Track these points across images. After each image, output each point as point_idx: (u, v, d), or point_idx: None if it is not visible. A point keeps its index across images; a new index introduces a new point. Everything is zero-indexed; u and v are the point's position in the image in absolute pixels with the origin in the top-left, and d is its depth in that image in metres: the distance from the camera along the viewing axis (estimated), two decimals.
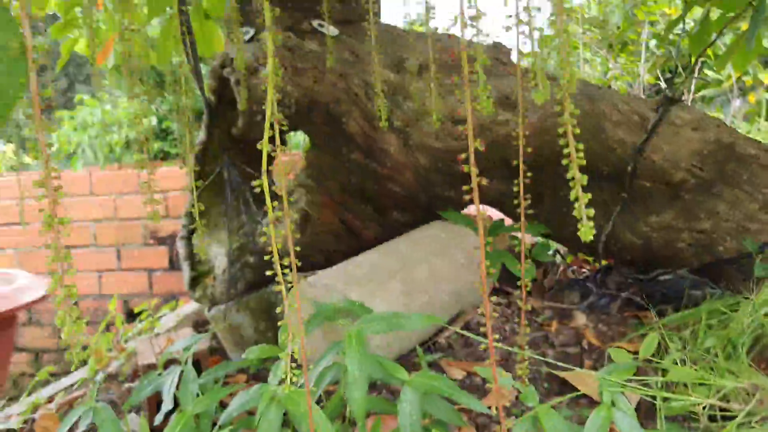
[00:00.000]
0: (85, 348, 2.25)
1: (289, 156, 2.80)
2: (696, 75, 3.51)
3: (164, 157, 4.50)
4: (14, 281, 2.39)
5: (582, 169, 1.68)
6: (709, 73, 4.68)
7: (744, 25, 2.00)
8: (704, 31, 2.12)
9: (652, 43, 3.57)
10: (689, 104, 4.01)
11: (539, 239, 1.83)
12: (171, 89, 1.54)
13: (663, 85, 3.38)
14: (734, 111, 4.38)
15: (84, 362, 1.94)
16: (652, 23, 3.90)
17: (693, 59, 2.58)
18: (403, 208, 1.73)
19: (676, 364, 1.16)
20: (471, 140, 1.03)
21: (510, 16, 0.88)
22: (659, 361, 1.21)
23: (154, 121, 4.48)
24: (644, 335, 1.40)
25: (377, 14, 1.76)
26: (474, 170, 0.76)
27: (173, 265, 3.42)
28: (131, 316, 3.49)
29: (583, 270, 2.00)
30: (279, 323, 0.91)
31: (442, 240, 1.59)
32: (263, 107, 1.43)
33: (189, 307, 2.27)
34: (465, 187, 1.49)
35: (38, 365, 3.64)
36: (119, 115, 4.47)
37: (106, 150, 4.44)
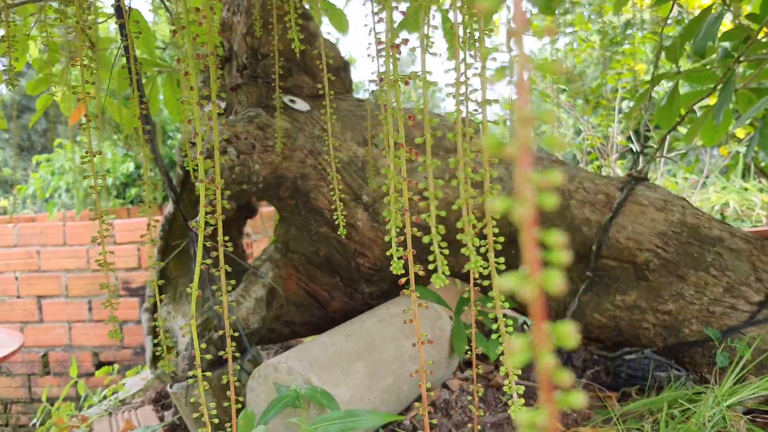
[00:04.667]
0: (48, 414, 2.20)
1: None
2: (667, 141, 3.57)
3: (141, 202, 4.47)
4: None
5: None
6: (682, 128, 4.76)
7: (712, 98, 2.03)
8: (672, 104, 2.16)
9: (625, 103, 3.64)
10: (662, 163, 4.07)
11: (505, 314, 1.83)
12: (137, 145, 1.54)
13: (634, 147, 3.44)
14: (709, 166, 4.46)
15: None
16: (619, 74, 3.97)
17: (661, 131, 2.63)
18: (372, 281, 1.73)
19: None
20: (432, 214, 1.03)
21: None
22: None
23: (131, 167, 4.47)
24: (608, 420, 1.40)
25: (349, 90, 1.78)
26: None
27: None
28: (101, 368, 3.43)
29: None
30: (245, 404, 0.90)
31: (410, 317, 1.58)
32: (230, 187, 1.44)
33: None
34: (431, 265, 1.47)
35: (8, 416, 3.56)
36: (96, 161, 4.45)
37: (82, 195, 4.41)
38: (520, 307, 1.77)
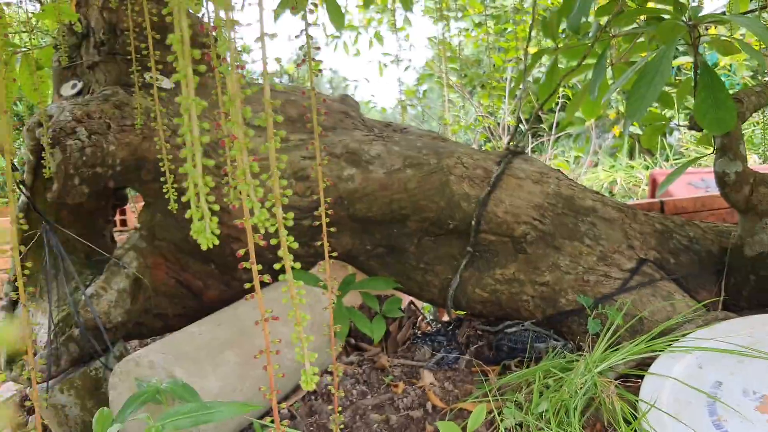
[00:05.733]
0: None
1: None
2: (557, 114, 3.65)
3: None
4: None
5: (430, 224, 1.67)
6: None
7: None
8: (552, 80, 2.18)
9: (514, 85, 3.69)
10: (551, 143, 4.17)
11: (393, 293, 1.80)
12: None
13: (523, 127, 3.50)
14: (596, 146, 4.60)
15: None
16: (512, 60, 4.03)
17: (541, 103, 2.66)
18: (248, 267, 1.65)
19: None
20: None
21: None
22: None
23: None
24: (488, 393, 1.38)
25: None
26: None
27: None
28: None
29: (441, 321, 1.99)
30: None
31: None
32: (81, 170, 1.33)
33: None
34: (314, 244, 1.41)
35: None
36: None
37: None
38: (403, 287, 1.74)
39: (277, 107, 1.58)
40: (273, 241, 0.76)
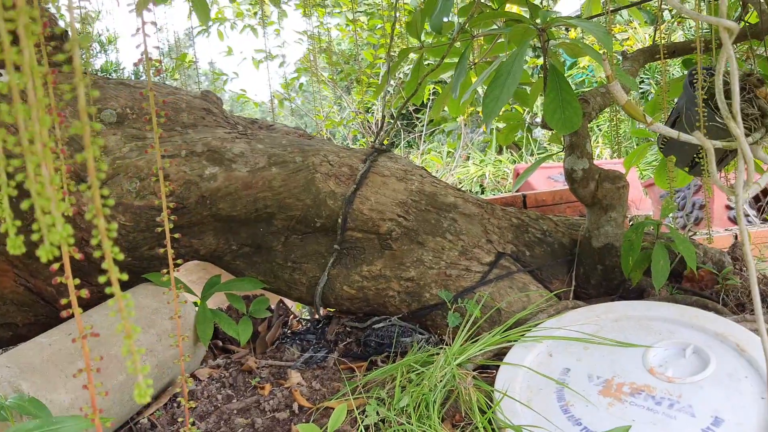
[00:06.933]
0: None
1: None
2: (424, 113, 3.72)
3: None
4: None
5: (297, 223, 1.66)
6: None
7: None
8: (417, 76, 2.22)
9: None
10: (423, 138, 4.26)
11: (262, 293, 1.78)
12: None
13: (390, 123, 3.56)
14: (468, 141, 4.75)
15: None
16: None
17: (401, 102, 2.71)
18: (105, 271, 1.58)
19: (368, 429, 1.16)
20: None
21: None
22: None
23: None
24: (354, 390, 1.40)
25: (70, 61, 1.61)
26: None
27: None
28: None
29: (311, 319, 1.99)
30: None
31: (146, 307, 1.47)
32: None
33: None
34: (161, 250, 1.37)
35: None
36: None
37: None
38: (271, 286, 1.73)
39: (129, 105, 1.51)
40: (101, 252, 0.73)
